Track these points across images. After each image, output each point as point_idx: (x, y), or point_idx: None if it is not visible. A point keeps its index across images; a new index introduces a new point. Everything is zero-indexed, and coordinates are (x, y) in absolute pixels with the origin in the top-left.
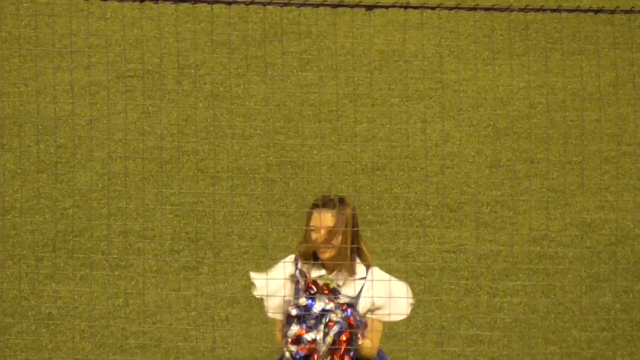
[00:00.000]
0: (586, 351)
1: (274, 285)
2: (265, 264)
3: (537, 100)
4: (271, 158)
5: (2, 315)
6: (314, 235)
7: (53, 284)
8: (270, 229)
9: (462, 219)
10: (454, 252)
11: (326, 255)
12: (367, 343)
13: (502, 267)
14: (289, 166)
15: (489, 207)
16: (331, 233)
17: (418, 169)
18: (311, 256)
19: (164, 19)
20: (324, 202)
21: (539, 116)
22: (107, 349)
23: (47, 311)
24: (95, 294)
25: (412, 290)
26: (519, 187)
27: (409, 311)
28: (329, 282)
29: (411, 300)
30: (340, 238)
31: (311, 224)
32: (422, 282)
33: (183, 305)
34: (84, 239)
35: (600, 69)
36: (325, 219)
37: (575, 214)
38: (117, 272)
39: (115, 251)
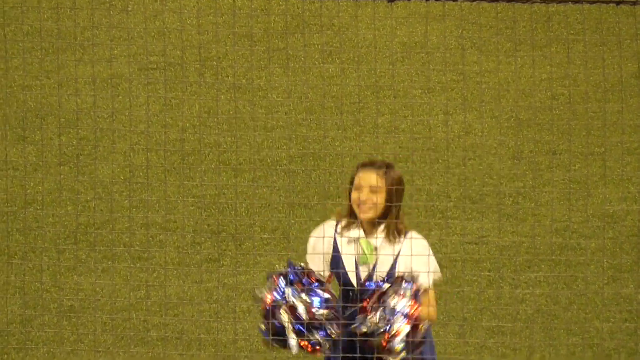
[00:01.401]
0: (608, 342)
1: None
2: (287, 256)
3: (559, 92)
4: (293, 150)
5: (24, 307)
6: (356, 195)
7: (75, 276)
8: (292, 221)
9: (484, 210)
10: (476, 244)
11: (368, 215)
12: (425, 310)
13: (524, 258)
14: (311, 158)
15: (511, 199)
16: (374, 192)
17: (440, 161)
18: (349, 216)
19: (185, 11)
20: (371, 163)
21: (561, 107)
22: (128, 341)
23: (69, 303)
24: (116, 287)
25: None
26: (541, 178)
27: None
28: (368, 258)
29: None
30: (383, 200)
31: (356, 183)
32: (444, 274)
33: (205, 297)
34: (105, 232)
35: (622, 60)
36: (370, 178)
37: (597, 205)
38: (138, 265)
39: (137, 243)
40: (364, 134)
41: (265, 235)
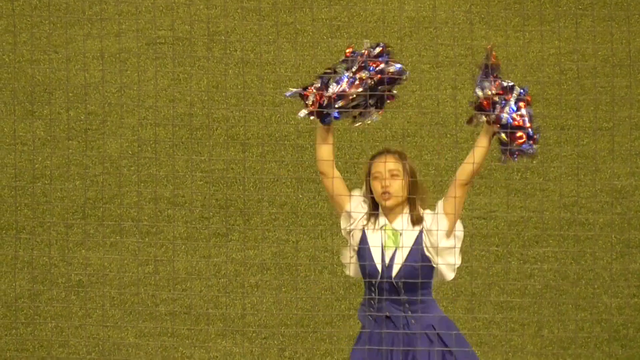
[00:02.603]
0: (617, 317)
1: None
2: (295, 231)
3: (568, 67)
4: (301, 125)
5: (33, 282)
6: (378, 184)
7: (83, 251)
8: (300, 196)
9: (492, 185)
10: (484, 219)
11: (392, 202)
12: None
13: (532, 233)
14: None
15: (520, 174)
16: (395, 176)
17: (448, 136)
18: (371, 208)
19: None
20: (384, 151)
21: (569, 82)
22: (137, 316)
23: (77, 278)
24: (125, 261)
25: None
26: (549, 153)
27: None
28: (392, 231)
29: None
30: (403, 186)
31: (375, 171)
32: None
33: (213, 272)
34: (114, 206)
35: (630, 35)
36: (388, 164)
37: (605, 180)
38: (147, 239)
39: (146, 218)
40: None
41: (273, 210)
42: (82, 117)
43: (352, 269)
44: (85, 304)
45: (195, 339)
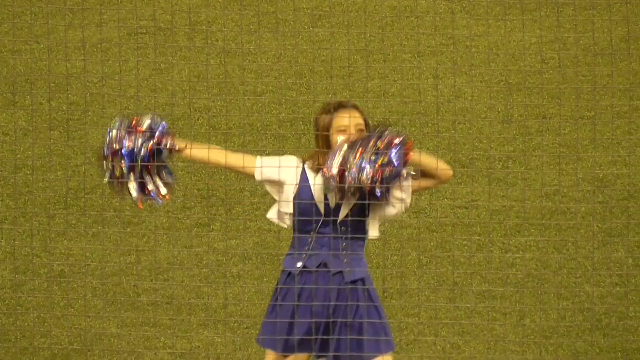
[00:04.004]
0: (599, 306)
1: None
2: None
3: (549, 56)
4: (283, 114)
5: (15, 272)
6: (341, 136)
7: (65, 241)
8: None
9: (474, 174)
10: (466, 208)
11: None
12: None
13: (514, 222)
14: (301, 122)
15: (501, 163)
16: (361, 130)
17: (430, 125)
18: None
19: None
20: (343, 104)
21: (551, 71)
22: (118, 306)
23: (59, 268)
24: (107, 251)
25: (425, 246)
26: (531, 142)
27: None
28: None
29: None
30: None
31: (340, 125)
32: (434, 238)
33: (195, 262)
34: (95, 196)
35: (612, 23)
36: (356, 118)
37: (587, 169)
38: (128, 229)
39: (127, 208)
40: (354, 97)
41: (255, 200)
42: (64, 107)
43: (287, 218)
44: (67, 294)
45: (177, 329)
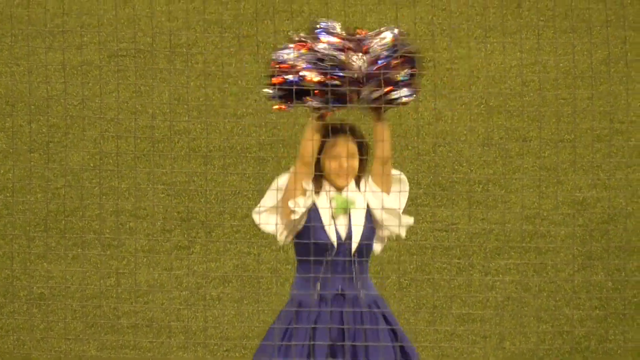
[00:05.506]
0: (578, 329)
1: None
2: (257, 243)
3: (530, 78)
4: (263, 137)
5: None
6: (333, 164)
7: (45, 263)
8: None
9: (454, 197)
10: (446, 231)
11: (346, 182)
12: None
13: (494, 245)
14: (281, 145)
15: (481, 186)
16: (353, 158)
17: (410, 148)
18: (320, 188)
19: None
20: (339, 129)
21: (531, 94)
22: (99, 328)
23: (39, 291)
24: (87, 274)
25: (405, 269)
26: (511, 165)
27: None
28: (348, 204)
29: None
30: (357, 164)
31: (333, 152)
32: (414, 261)
33: (175, 284)
34: (75, 219)
35: (592, 46)
36: (346, 144)
37: (567, 192)
38: (109, 252)
39: (107, 231)
40: (334, 120)
41: (235, 223)
42: (44, 130)
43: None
44: (47, 317)
45: (157, 352)
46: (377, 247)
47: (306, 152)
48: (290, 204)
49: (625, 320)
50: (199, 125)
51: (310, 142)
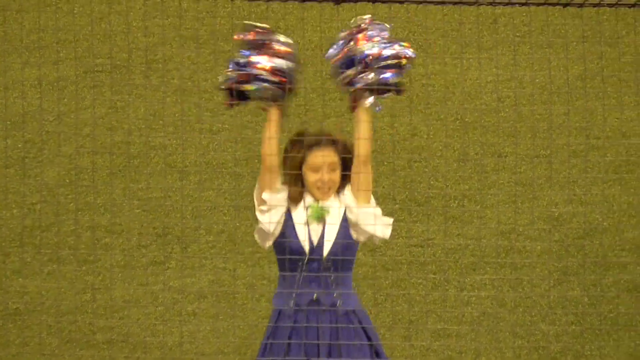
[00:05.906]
0: (554, 345)
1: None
2: (233, 259)
3: (505, 94)
4: (239, 153)
5: None
6: (317, 177)
7: (20, 279)
8: (238, 224)
9: (429, 213)
10: (421, 246)
11: (328, 195)
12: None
13: (469, 261)
14: (257, 160)
15: (457, 201)
16: (334, 170)
17: (385, 163)
18: (301, 199)
19: (132, 13)
20: (319, 142)
21: (507, 110)
22: (74, 344)
23: (14, 306)
24: (62, 289)
25: (380, 284)
26: (487, 180)
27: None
28: (323, 212)
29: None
30: (339, 175)
31: (313, 164)
32: (389, 276)
33: (150, 300)
34: (51, 234)
35: (568, 62)
36: (327, 157)
37: (543, 207)
38: (84, 267)
39: (83, 246)
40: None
41: (211, 238)
42: (20, 145)
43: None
44: (23, 332)
45: None
46: (385, 231)
47: (264, 152)
48: (258, 214)
49: (601, 336)
50: (175, 141)
51: (267, 140)
